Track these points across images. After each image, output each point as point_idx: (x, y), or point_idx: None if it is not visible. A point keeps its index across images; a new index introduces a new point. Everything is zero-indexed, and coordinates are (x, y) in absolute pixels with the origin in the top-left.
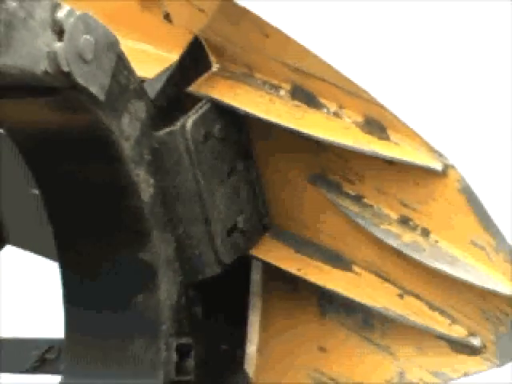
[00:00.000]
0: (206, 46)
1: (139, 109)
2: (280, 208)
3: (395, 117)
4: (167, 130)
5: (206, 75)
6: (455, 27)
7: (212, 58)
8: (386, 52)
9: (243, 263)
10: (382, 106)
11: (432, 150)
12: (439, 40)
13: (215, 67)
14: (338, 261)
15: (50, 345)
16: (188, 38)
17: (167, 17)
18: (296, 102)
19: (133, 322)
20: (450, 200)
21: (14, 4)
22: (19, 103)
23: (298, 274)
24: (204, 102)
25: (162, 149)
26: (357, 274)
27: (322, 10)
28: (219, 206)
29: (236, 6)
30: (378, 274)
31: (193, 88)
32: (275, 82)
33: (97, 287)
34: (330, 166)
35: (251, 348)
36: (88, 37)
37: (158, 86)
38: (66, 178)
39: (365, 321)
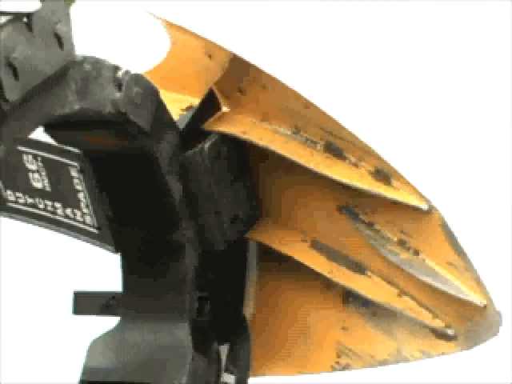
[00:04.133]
0: (219, 95)
1: (172, 137)
2: (313, 227)
3: (396, 170)
4: (191, 151)
5: (216, 115)
6: (455, 27)
7: (223, 102)
8: (384, 50)
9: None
10: (387, 162)
11: (421, 195)
12: (438, 40)
13: (226, 109)
14: (357, 267)
15: (112, 295)
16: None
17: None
18: (327, 154)
19: (168, 281)
20: (433, 231)
21: (88, 66)
22: (92, 132)
23: (329, 275)
24: (215, 133)
25: (187, 164)
26: (369, 277)
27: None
28: (226, 203)
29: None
30: (384, 279)
31: (208, 124)
32: (314, 138)
33: (143, 258)
34: (351, 201)
35: (249, 303)
36: (138, 89)
37: (185, 121)
38: (121, 183)
39: (375, 311)
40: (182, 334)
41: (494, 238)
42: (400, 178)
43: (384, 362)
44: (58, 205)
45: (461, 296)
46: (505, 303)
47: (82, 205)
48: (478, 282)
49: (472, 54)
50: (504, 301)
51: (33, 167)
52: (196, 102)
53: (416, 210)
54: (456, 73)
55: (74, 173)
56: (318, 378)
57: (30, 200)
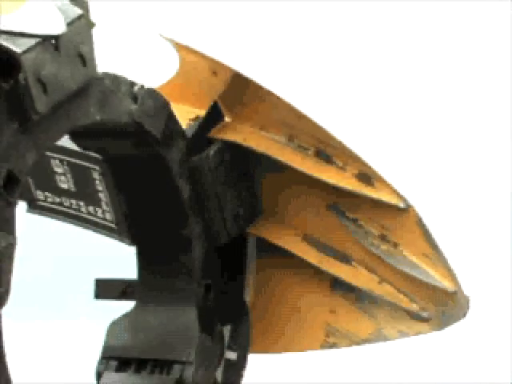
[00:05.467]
0: (222, 107)
1: (181, 144)
2: (305, 222)
3: (378, 173)
4: (198, 156)
5: (220, 124)
6: (455, 27)
7: (226, 113)
8: (385, 50)
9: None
10: (369, 165)
11: (399, 195)
12: (438, 40)
13: (228, 119)
14: (343, 258)
15: (129, 282)
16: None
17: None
18: (317, 159)
19: (177, 271)
20: (409, 227)
21: (108, 82)
22: (111, 140)
23: (318, 265)
24: (219, 140)
25: (195, 167)
26: (354, 267)
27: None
28: (229, 202)
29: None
30: (367, 268)
31: (213, 132)
32: (306, 145)
33: (157, 250)
34: (338, 200)
35: (249, 290)
36: (151, 101)
37: (193, 130)
38: (136, 184)
39: (359, 297)
40: (190, 317)
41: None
42: (381, 180)
43: (366, 341)
44: (81, 203)
45: (434, 283)
46: (505, 303)
47: (103, 203)
48: (449, 270)
49: (469, 54)
50: (504, 301)
51: (60, 170)
52: (202, 113)
53: (395, 207)
54: (448, 75)
55: (95, 175)
56: (317, 378)
57: (57, 199)
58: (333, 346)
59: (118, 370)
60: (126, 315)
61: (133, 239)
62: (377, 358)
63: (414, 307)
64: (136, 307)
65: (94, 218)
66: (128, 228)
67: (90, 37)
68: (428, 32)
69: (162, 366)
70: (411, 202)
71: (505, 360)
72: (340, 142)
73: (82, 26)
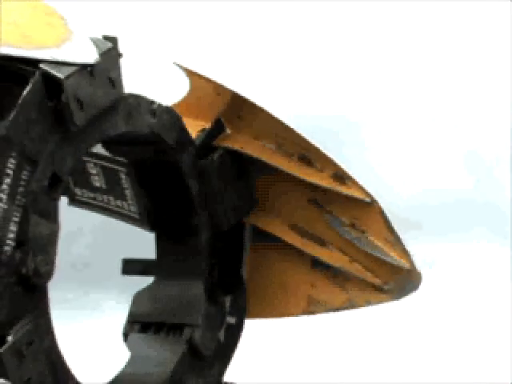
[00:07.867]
0: (224, 121)
1: (191, 150)
2: (291, 213)
3: (349, 174)
4: (204, 160)
5: (222, 135)
6: (455, 27)
7: (227, 126)
8: (386, 49)
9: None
10: (343, 168)
11: (366, 192)
12: (439, 40)
13: (229, 131)
14: (321, 242)
15: (149, 261)
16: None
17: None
18: (301, 163)
19: (188, 252)
20: (374, 217)
21: (132, 100)
22: (134, 147)
23: (301, 247)
24: (221, 147)
25: (202, 169)
26: (329, 249)
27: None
28: (229, 197)
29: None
30: (340, 250)
31: (217, 141)
32: (291, 151)
33: (171, 235)
34: (318, 195)
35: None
36: (167, 116)
37: (200, 139)
38: (155, 183)
39: (334, 273)
40: (198, 289)
41: None
42: (352, 179)
43: (339, 309)
44: (111, 198)
45: (393, 262)
46: (505, 303)
47: (128, 198)
48: (406, 252)
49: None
50: (504, 301)
51: (94, 171)
52: (208, 125)
53: (363, 202)
54: (448, 75)
55: (122, 175)
56: (317, 378)
57: (91, 195)
58: (312, 313)
59: (141, 331)
60: (146, 288)
61: (152, 227)
62: (380, 359)
63: (378, 281)
64: (155, 282)
65: (121, 210)
66: (148, 218)
67: (119, 65)
68: (426, 31)
69: (175, 328)
70: (375, 197)
71: (505, 360)
72: (318, 149)
73: (111, 56)
